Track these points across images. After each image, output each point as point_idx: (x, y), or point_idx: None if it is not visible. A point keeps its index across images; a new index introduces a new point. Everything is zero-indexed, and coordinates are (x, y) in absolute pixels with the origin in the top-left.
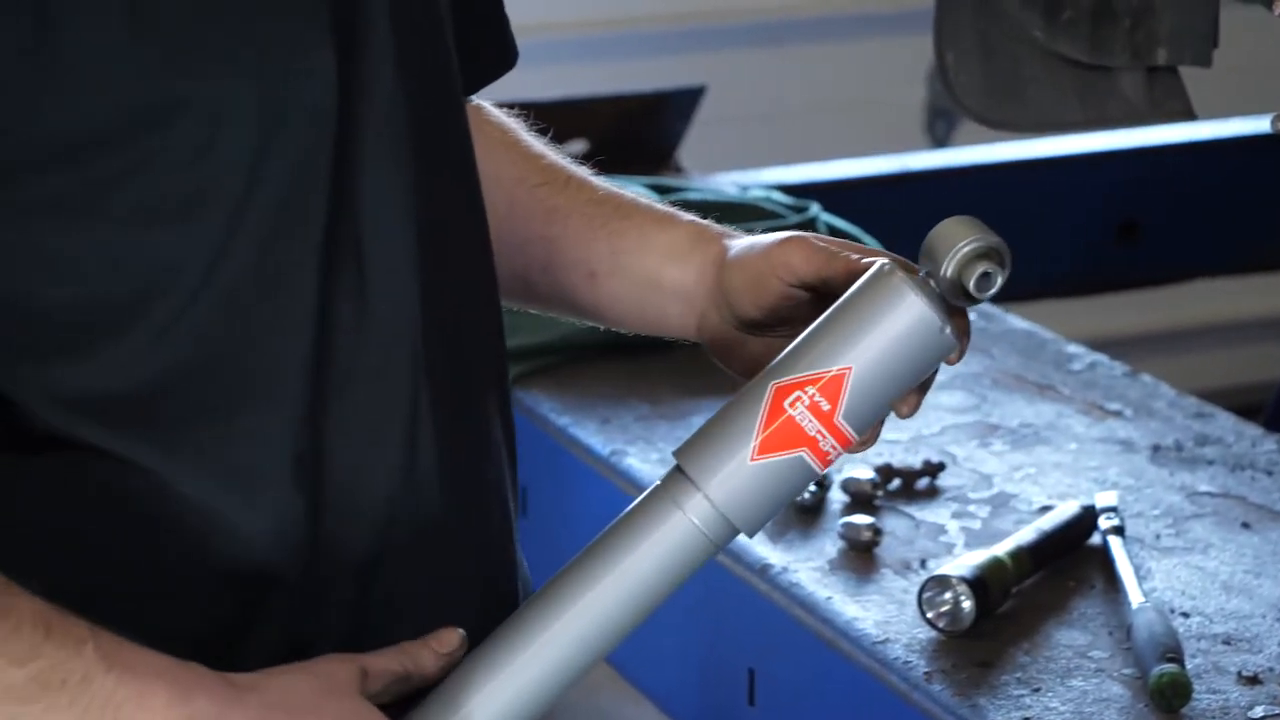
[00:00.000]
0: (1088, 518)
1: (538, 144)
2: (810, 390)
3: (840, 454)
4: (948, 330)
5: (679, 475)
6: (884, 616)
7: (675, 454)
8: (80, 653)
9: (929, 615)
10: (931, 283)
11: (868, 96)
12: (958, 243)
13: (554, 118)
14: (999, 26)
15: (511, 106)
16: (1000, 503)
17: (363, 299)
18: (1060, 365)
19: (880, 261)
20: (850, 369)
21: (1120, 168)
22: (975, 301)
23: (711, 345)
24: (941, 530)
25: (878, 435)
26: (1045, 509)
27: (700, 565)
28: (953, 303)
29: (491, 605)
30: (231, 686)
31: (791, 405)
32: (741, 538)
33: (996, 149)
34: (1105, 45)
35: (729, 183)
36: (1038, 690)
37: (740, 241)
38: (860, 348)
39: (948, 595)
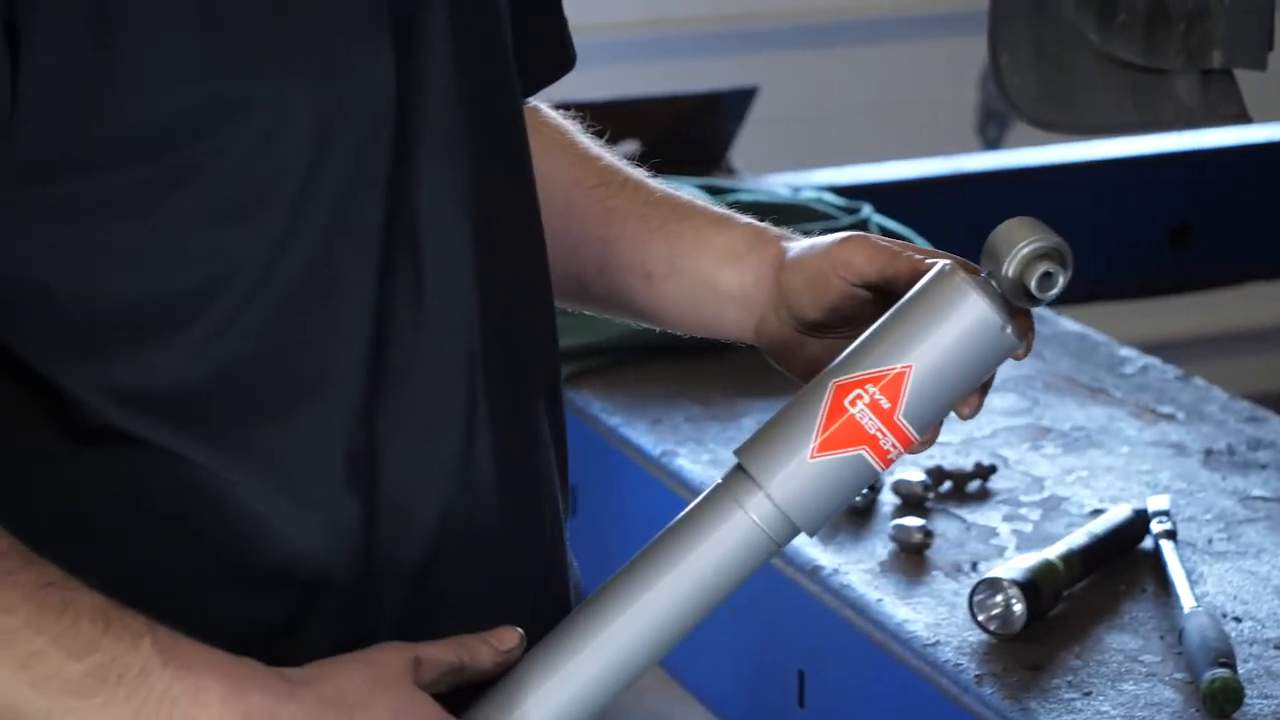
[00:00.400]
0: (1139, 521)
1: (594, 145)
2: (871, 388)
3: (901, 453)
4: (1009, 330)
5: (740, 474)
6: (934, 619)
7: (736, 453)
8: (138, 647)
9: (980, 618)
10: (993, 283)
11: (920, 98)
12: (1019, 243)
13: (606, 118)
14: (1054, 29)
15: (564, 107)
16: (1052, 506)
17: (419, 298)
18: (1113, 368)
19: (942, 262)
20: (911, 367)
21: (1174, 170)
22: (1037, 302)
23: (770, 348)
24: (993, 533)
25: (938, 435)
26: (1097, 512)
27: (760, 565)
28: (1015, 303)
29: (543, 606)
30: (285, 681)
31: (852, 403)
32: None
33: (1048, 151)
34: (1160, 48)
35: (781, 184)
36: (1089, 694)
37: (799, 243)
38: (921, 347)
39: (999, 598)
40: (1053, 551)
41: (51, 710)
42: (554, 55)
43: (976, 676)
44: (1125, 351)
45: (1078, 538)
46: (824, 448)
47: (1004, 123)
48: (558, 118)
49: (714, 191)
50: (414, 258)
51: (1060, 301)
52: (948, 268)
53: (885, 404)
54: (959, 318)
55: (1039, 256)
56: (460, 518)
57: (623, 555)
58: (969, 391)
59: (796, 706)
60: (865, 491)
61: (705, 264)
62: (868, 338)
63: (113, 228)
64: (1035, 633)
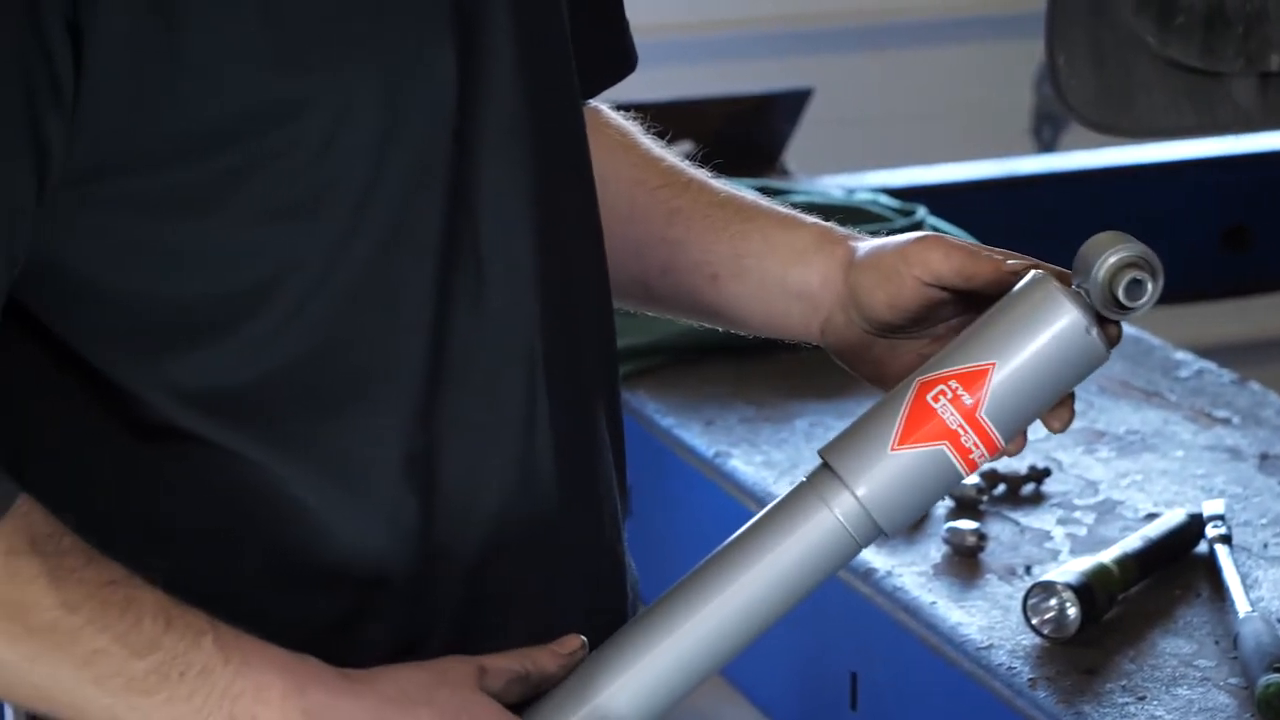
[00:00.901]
0: (1194, 526)
1: (656, 147)
2: (954, 384)
3: (984, 456)
4: (1094, 333)
5: (825, 472)
6: (988, 622)
7: (821, 452)
8: (200, 644)
9: (1034, 621)
10: (1083, 293)
11: (974, 100)
12: (1107, 251)
13: (661, 119)
14: (1112, 32)
15: (620, 108)
16: (1106, 509)
17: (480, 298)
18: (1168, 372)
19: (1035, 271)
20: (994, 365)
21: (1228, 173)
22: (1126, 311)
23: (836, 348)
24: (1047, 536)
25: (1024, 443)
26: (1151, 516)
27: (841, 565)
28: (1105, 314)
29: (600, 606)
30: (346, 679)
31: (934, 399)
32: None
33: (1103, 154)
34: (1218, 51)
35: (835, 185)
36: (1143, 698)
37: (868, 242)
38: (1006, 347)
39: (1053, 601)
40: (1107, 555)
41: (114, 708)
42: (616, 57)
43: (1030, 680)
44: (1180, 355)
45: (1132, 542)
46: (904, 440)
47: (1058, 125)
48: (619, 119)
49: (768, 193)
50: (475, 258)
51: None
52: (1040, 275)
53: (968, 400)
54: (1047, 322)
55: (1127, 265)
56: (519, 517)
57: (677, 556)
58: (1055, 399)
59: (848, 708)
60: None
61: (772, 263)
62: (956, 341)
63: (175, 225)
64: (1089, 637)
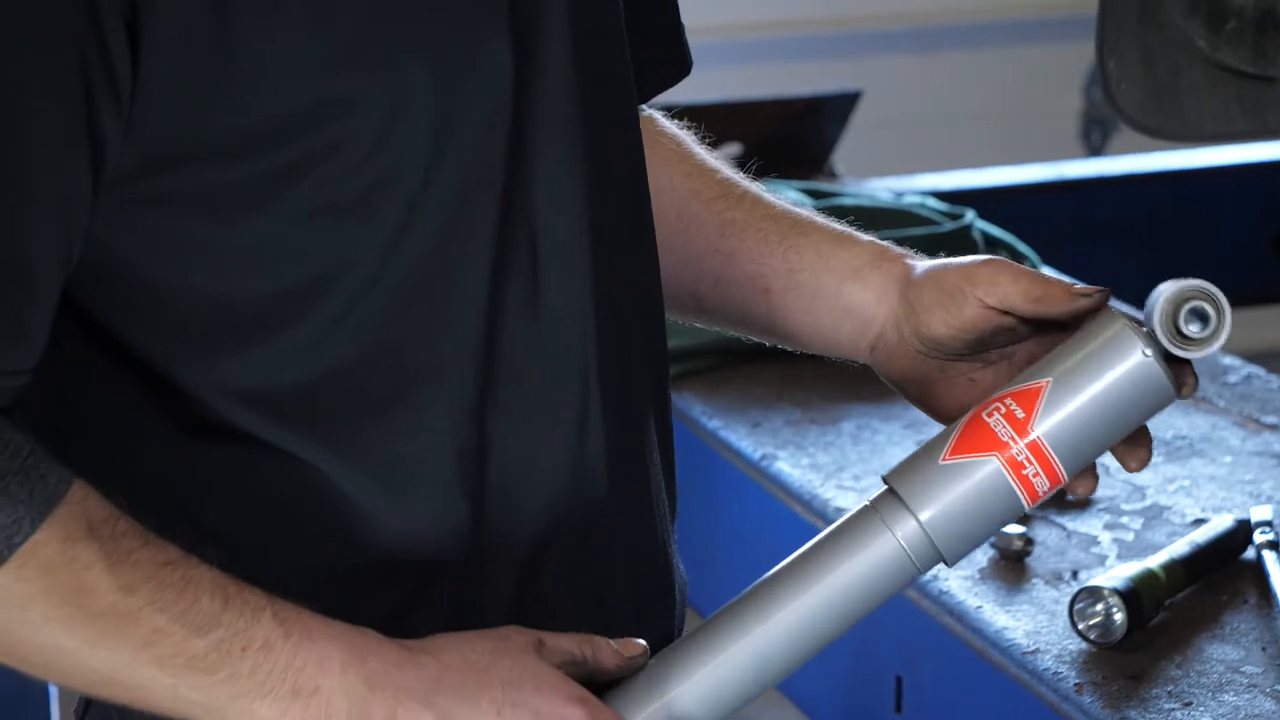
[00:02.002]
0: (1242, 531)
1: (710, 157)
2: (1008, 401)
3: (1046, 485)
4: (1160, 368)
5: (889, 496)
6: (1034, 627)
7: (885, 477)
8: (259, 620)
9: (1080, 626)
10: (1150, 330)
11: (1023, 103)
12: (1167, 284)
13: (710, 120)
14: (1162, 35)
15: (667, 109)
16: (1153, 515)
17: (535, 298)
18: (1215, 377)
19: (1106, 311)
20: (1048, 381)
21: (1277, 178)
22: (1190, 343)
23: (885, 367)
24: (1094, 541)
25: (1095, 482)
26: (1199, 522)
27: (900, 589)
28: (1170, 348)
29: (649, 606)
30: (405, 649)
31: (988, 415)
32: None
33: (1152, 158)
34: (1269, 55)
35: (883, 188)
36: (1189, 704)
37: (927, 262)
38: (1062, 368)
39: (1099, 607)
40: (1154, 561)
41: (177, 687)
42: (672, 60)
43: (1076, 685)
44: (1228, 360)
45: (1179, 547)
46: (954, 453)
47: (1107, 129)
48: (673, 128)
49: (816, 195)
50: (530, 258)
51: None
52: (1110, 312)
53: (1020, 413)
54: (1109, 351)
55: (1187, 296)
56: (569, 517)
57: (723, 558)
58: (1119, 433)
59: (893, 711)
60: None
61: (826, 279)
62: (1020, 374)
63: (228, 223)
64: (1136, 642)
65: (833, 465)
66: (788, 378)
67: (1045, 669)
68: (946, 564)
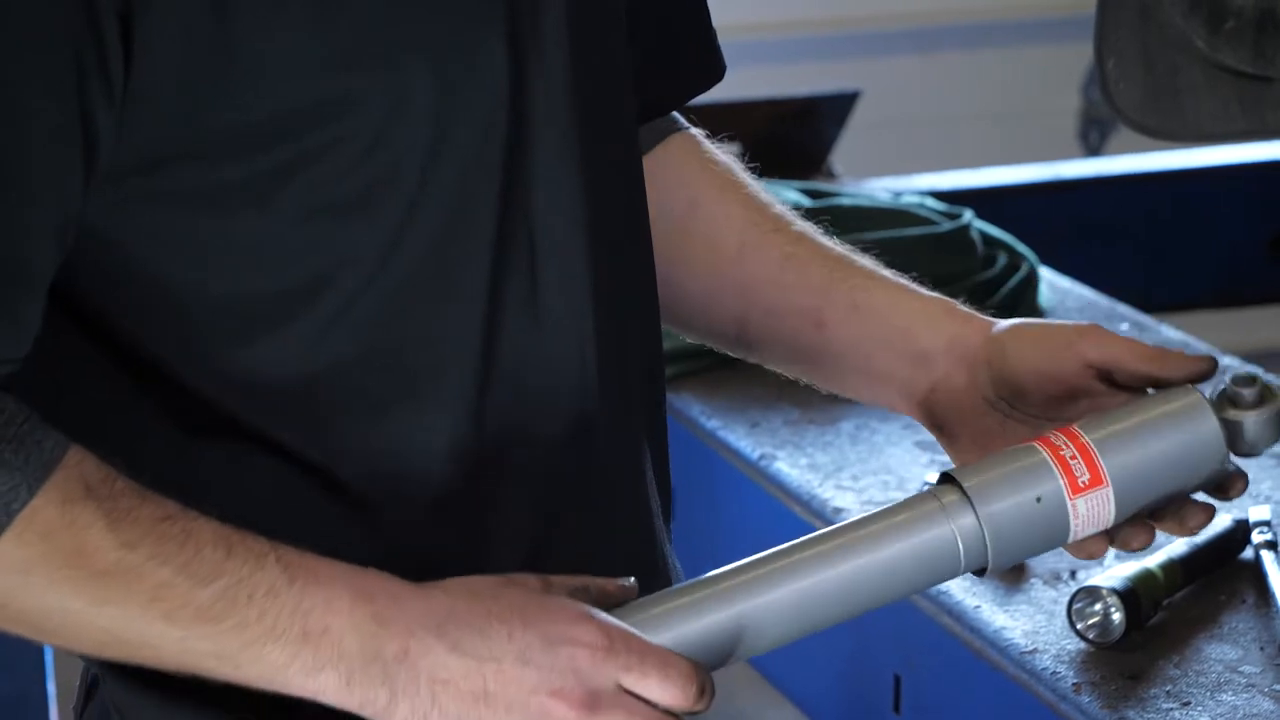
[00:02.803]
0: (1240, 531)
1: (760, 188)
2: (1084, 436)
3: (1096, 521)
4: (1208, 413)
5: (954, 490)
6: (1032, 626)
7: (952, 473)
8: (263, 566)
9: (1078, 626)
10: (1212, 399)
11: (1021, 103)
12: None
13: (708, 120)
14: (1161, 35)
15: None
16: None
17: (534, 297)
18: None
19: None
20: (1122, 426)
21: (1277, 179)
22: (1243, 408)
23: (941, 410)
24: None
25: (1150, 539)
26: None
27: (938, 582)
28: (1221, 414)
29: None
30: (411, 585)
31: (1054, 434)
32: None
33: (1150, 158)
34: (1269, 55)
35: (881, 188)
36: (1187, 704)
37: (1012, 320)
38: (1137, 417)
39: (1098, 606)
40: (1152, 560)
41: (186, 639)
42: (706, 64)
43: (1074, 685)
44: (1226, 360)
45: (1178, 547)
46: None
47: (1105, 129)
48: (722, 154)
49: (815, 195)
50: (529, 258)
51: (1160, 309)
52: (1189, 385)
53: (1093, 450)
54: (1173, 402)
55: (1246, 376)
56: (567, 516)
57: (721, 558)
58: (1171, 483)
59: (891, 711)
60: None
61: (894, 317)
62: None
63: (225, 220)
64: (1134, 642)
65: (831, 465)
66: (786, 378)
67: (1043, 669)
68: (986, 570)
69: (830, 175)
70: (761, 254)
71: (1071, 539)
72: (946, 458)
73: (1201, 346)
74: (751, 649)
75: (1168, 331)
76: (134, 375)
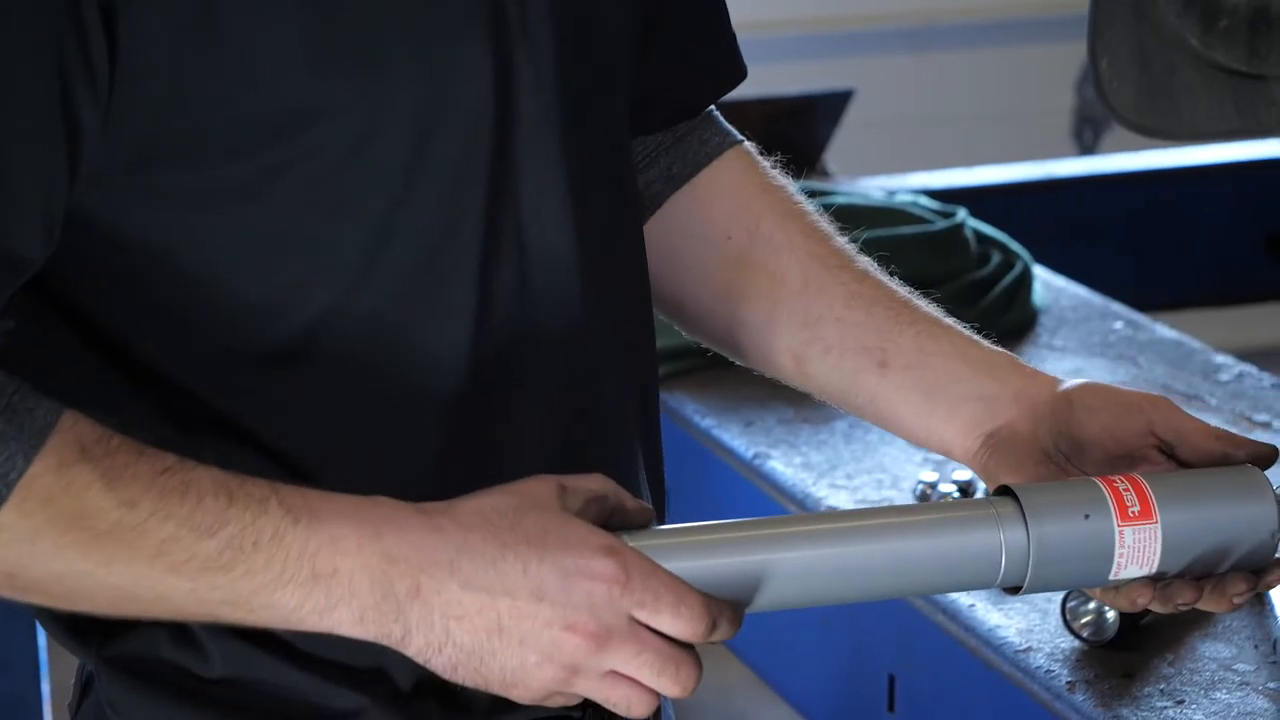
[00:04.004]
0: None
1: (815, 211)
2: (1146, 486)
3: (1137, 566)
4: (1267, 489)
5: (1011, 502)
6: (1027, 625)
7: (1013, 487)
8: (266, 510)
9: (1073, 625)
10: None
11: (1014, 102)
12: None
13: None
14: (1155, 34)
15: None
16: None
17: (523, 296)
18: (1208, 375)
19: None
20: (1186, 483)
21: (1271, 177)
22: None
23: (998, 454)
24: None
25: (1197, 594)
26: None
27: (971, 587)
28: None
29: None
30: (422, 514)
31: (1119, 477)
32: None
33: (1144, 157)
34: (1262, 54)
35: (875, 187)
36: (1181, 702)
37: (1077, 380)
38: (1190, 471)
39: (1092, 605)
40: None
41: (196, 591)
42: (727, 67)
43: (1068, 683)
44: (1220, 359)
45: None
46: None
47: (1099, 128)
48: (776, 172)
49: (809, 194)
50: (519, 256)
51: (1154, 308)
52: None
53: (1153, 498)
54: (1233, 474)
55: None
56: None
57: None
58: (1217, 548)
59: (886, 710)
60: (956, 494)
61: (960, 366)
62: None
63: (212, 218)
64: (1128, 640)
65: (825, 464)
66: None
67: (1038, 667)
68: (1019, 589)
69: (824, 174)
70: (827, 289)
71: (1114, 573)
72: (940, 459)
73: (1195, 344)
74: (767, 601)
75: (1162, 330)
76: (126, 375)
